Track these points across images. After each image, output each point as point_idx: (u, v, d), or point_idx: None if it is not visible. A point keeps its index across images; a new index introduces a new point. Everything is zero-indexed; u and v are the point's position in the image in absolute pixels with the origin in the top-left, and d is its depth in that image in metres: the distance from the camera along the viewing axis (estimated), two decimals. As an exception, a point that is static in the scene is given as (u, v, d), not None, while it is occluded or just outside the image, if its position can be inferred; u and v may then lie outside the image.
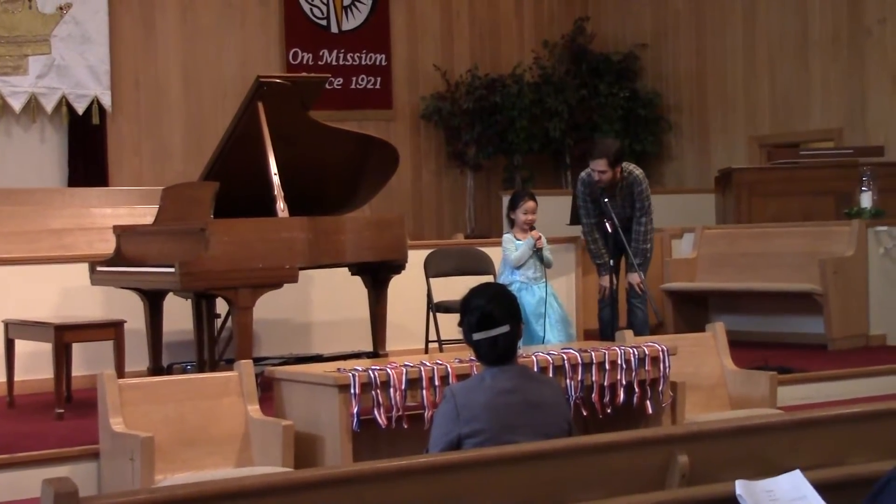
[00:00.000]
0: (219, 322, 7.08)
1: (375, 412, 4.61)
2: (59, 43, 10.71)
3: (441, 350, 7.23)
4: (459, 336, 3.99)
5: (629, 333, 5.58)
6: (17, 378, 6.63)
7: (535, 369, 4.81)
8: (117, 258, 6.72)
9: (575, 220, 8.58)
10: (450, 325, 6.52)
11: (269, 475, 3.01)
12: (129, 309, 6.80)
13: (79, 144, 10.88)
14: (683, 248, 9.47)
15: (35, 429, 5.85)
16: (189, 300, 6.91)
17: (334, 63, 12.09)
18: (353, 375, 4.58)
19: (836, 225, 8.76)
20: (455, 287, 6.07)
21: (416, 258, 7.37)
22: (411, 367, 4.72)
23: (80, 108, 10.79)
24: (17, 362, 6.63)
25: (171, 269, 5.95)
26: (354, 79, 12.25)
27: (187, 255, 6.01)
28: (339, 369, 4.72)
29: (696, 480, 3.13)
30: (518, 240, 6.96)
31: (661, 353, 5.25)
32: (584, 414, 5.17)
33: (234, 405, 4.91)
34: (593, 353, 5.10)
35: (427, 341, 7.49)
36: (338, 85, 11.99)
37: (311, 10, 12.09)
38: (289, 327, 7.97)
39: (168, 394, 4.85)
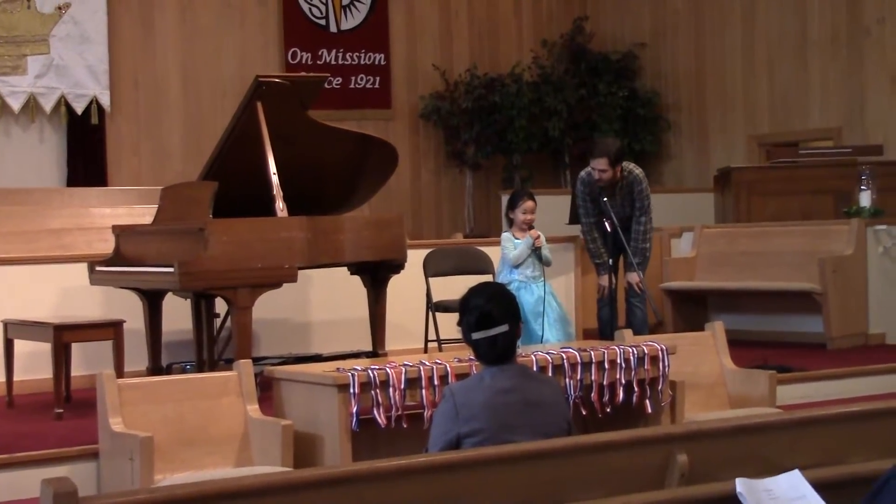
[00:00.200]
0: (218, 322, 7.08)
1: (375, 412, 4.61)
2: (58, 43, 10.70)
3: (440, 349, 7.23)
4: (458, 335, 3.98)
5: (628, 333, 5.59)
6: (16, 378, 6.63)
7: (535, 368, 4.82)
8: (116, 258, 6.71)
9: (574, 219, 8.58)
10: (449, 324, 6.50)
11: (269, 475, 3.01)
12: (129, 309, 6.80)
13: (78, 144, 10.87)
14: (682, 248, 9.47)
15: (34, 429, 5.84)
16: (188, 300, 6.91)
17: (333, 62, 12.09)
18: (353, 375, 4.58)
19: (836, 224, 8.76)
20: (454, 286, 6.06)
21: (416, 258, 7.37)
22: (410, 366, 4.72)
23: (79, 108, 10.78)
24: (17, 362, 6.63)
25: (171, 269, 5.94)
26: (353, 78, 12.24)
27: (186, 254, 6.00)
28: (338, 369, 4.72)
29: (695, 480, 3.13)
30: (517, 239, 6.96)
31: (660, 353, 5.26)
32: (584, 413, 5.17)
33: (233, 405, 4.91)
34: (592, 353, 5.10)
35: (426, 341, 7.49)
36: (337, 84, 11.98)
37: (309, 9, 12.08)
38: (288, 327, 7.97)
39: (167, 394, 4.85)
